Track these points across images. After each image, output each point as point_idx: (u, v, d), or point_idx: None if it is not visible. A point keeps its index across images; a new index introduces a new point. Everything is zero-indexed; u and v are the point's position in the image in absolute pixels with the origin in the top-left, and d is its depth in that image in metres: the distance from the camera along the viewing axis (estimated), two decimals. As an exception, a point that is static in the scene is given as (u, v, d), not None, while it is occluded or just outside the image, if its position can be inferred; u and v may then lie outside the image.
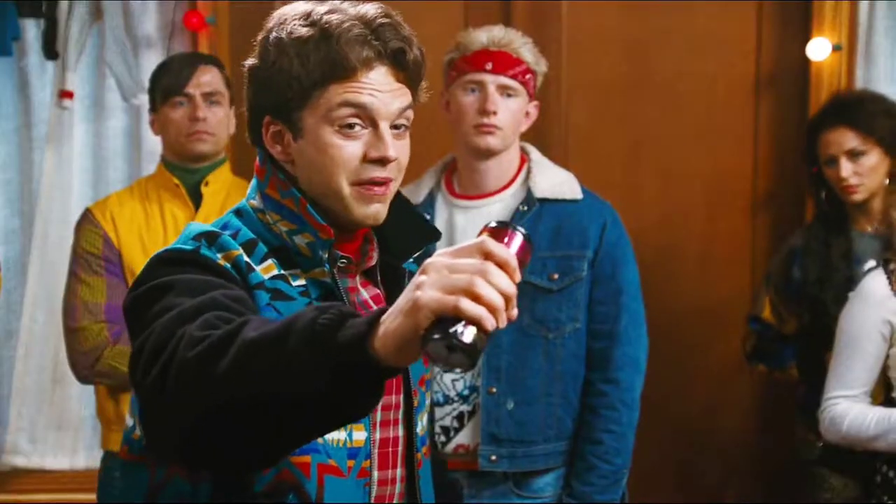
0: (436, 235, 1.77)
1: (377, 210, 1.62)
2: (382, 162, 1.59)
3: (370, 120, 1.60)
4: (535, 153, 2.85)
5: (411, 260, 1.77)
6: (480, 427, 2.72)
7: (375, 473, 1.64)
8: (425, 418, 1.76)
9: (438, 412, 2.74)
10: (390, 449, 1.67)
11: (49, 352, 3.63)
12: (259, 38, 1.63)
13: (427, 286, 1.19)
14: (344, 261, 1.65)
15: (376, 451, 1.65)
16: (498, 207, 2.79)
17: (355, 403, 1.27)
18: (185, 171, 2.98)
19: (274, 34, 1.60)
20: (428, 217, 2.76)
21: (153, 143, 3.35)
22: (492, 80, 2.71)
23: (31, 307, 3.63)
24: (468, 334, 1.19)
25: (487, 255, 1.21)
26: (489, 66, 2.72)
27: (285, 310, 1.57)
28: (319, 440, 1.48)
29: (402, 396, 1.69)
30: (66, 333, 2.92)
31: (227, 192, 3.01)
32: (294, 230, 1.63)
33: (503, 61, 2.72)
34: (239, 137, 3.23)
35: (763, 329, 3.18)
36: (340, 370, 1.23)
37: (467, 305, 1.17)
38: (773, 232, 3.63)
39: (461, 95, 2.72)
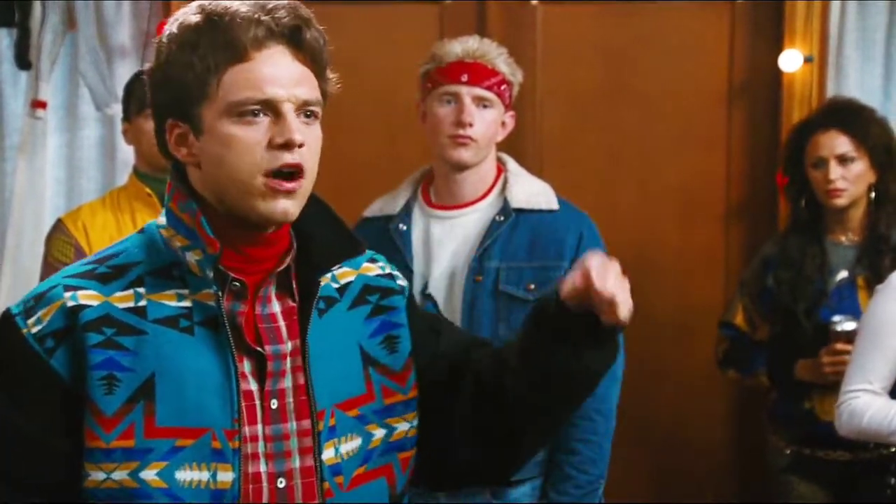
0: (360, 249, 1.64)
1: (286, 207, 1.49)
2: (288, 146, 1.47)
3: (270, 105, 1.48)
4: (511, 164, 2.86)
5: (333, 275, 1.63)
6: (457, 438, 2.71)
7: None
8: (348, 444, 1.58)
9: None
10: (300, 481, 1.53)
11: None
12: (155, 42, 1.55)
13: None
14: (236, 284, 1.52)
15: (282, 485, 1.53)
16: (474, 218, 2.79)
17: None
18: (157, 181, 2.96)
19: (167, 31, 1.52)
20: (405, 227, 2.77)
21: (127, 153, 3.34)
22: (467, 92, 2.71)
23: (3, 317, 3.59)
24: None
25: None
26: (465, 77, 2.72)
27: (132, 345, 1.48)
28: (161, 483, 1.44)
29: (308, 421, 1.54)
30: (37, 342, 2.89)
31: (200, 203, 3.00)
32: (187, 246, 1.52)
33: (478, 72, 2.73)
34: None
35: (735, 335, 3.18)
36: None
37: None
38: (745, 241, 3.65)
39: (437, 107, 2.72)
